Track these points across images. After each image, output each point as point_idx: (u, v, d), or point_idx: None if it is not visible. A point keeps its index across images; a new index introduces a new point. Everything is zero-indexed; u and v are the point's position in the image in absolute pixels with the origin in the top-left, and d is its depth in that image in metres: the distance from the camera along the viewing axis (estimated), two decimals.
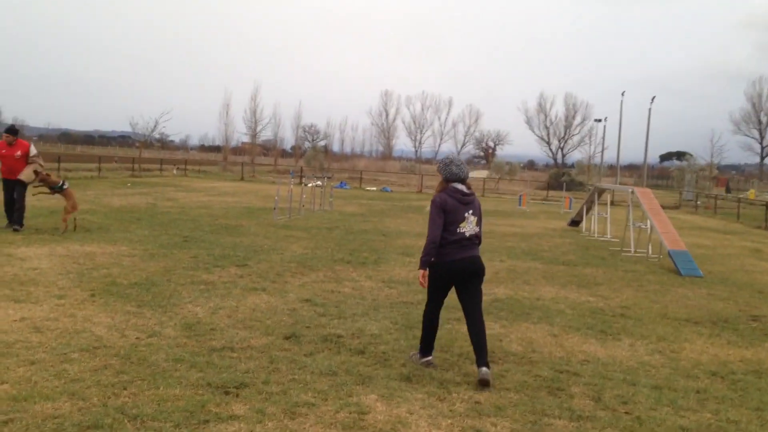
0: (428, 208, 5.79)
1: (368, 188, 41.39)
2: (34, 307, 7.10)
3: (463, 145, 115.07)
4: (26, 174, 12.48)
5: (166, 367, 5.49)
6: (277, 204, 18.15)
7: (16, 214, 12.51)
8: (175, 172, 44.87)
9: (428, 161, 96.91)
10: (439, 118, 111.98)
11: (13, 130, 13.03)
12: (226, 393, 5.03)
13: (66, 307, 7.20)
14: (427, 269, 5.80)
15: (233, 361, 5.77)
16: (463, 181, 5.84)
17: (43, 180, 12.80)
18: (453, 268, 5.77)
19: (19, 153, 12.53)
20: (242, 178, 44.80)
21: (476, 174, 73.49)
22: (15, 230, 12.28)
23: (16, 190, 12.55)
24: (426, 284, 5.85)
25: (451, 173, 5.82)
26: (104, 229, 13.76)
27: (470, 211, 5.76)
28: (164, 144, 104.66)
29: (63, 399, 4.69)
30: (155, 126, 42.91)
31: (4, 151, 12.54)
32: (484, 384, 5.49)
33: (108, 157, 55.65)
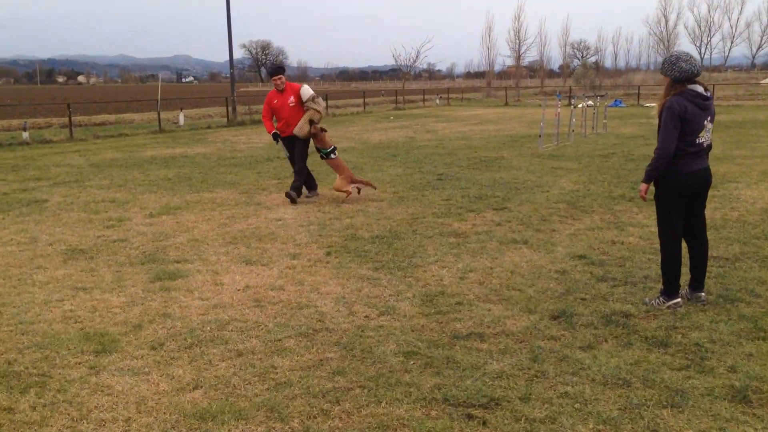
0: (654, 112, 5.13)
1: (647, 104, 37.00)
2: (263, 271, 6.27)
3: (759, 47, 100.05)
4: (299, 127, 9.58)
5: (394, 365, 4.18)
6: (542, 130, 16.17)
7: (294, 180, 9.83)
8: (437, 101, 44.37)
9: (716, 69, 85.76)
10: (729, 19, 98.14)
11: (279, 69, 9.84)
12: (469, 417, 3.56)
13: (296, 270, 6.26)
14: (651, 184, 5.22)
15: (481, 356, 4.28)
16: (695, 79, 4.96)
17: (314, 135, 9.70)
18: (691, 181, 5.07)
19: (292, 99, 9.69)
20: (506, 103, 42.88)
21: None
22: (291, 200, 9.59)
23: (296, 148, 9.85)
24: (646, 197, 5.35)
25: (681, 71, 4.90)
26: (357, 168, 13.04)
27: (708, 119, 5.01)
28: (431, 74, 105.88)
29: (257, 419, 3.58)
30: (417, 56, 42.50)
31: (276, 101, 9.78)
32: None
33: (374, 91, 57.10)
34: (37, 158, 15.39)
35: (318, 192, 10.26)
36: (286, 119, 9.78)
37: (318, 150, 9.89)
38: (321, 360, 4.27)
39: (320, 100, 9.84)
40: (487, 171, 12.44)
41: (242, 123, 27.08)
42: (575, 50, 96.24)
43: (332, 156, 9.83)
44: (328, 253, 6.83)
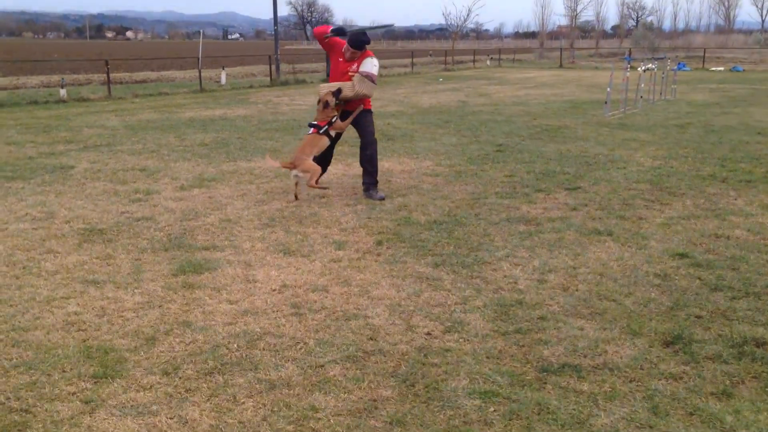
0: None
1: (713, 68, 34.86)
2: (304, 264, 5.34)
3: None
4: (324, 92, 7.51)
5: (469, 412, 3.22)
6: (609, 96, 14.83)
7: (366, 169, 7.74)
8: (488, 62, 42.68)
9: None
10: None
11: (342, 31, 7.60)
12: None
13: (342, 265, 5.32)
14: None
15: (583, 403, 3.29)
16: None
17: (325, 104, 7.47)
18: None
19: (354, 68, 7.47)
20: (561, 65, 40.99)
21: None
22: (373, 197, 7.55)
23: (362, 128, 7.77)
24: None
25: None
26: (408, 136, 12.01)
27: None
28: (479, 34, 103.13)
29: None
30: (468, 15, 40.71)
31: (341, 58, 7.60)
32: None
33: (422, 51, 55.44)
34: (72, 118, 14.69)
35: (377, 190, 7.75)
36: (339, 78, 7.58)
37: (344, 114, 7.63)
38: (374, 400, 3.34)
39: (369, 85, 7.48)
40: (552, 142, 11.27)
41: (286, 83, 26.13)
42: (630, 10, 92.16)
43: (315, 131, 7.55)
44: (379, 242, 5.87)
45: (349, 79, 7.46)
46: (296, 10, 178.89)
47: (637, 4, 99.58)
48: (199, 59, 24.02)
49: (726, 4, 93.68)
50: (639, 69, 18.46)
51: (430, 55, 50.79)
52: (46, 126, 13.23)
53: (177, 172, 8.90)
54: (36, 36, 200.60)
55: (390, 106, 17.56)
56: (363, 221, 6.57)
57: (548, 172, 8.79)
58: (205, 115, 15.41)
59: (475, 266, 5.24)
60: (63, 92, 18.48)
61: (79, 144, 11.07)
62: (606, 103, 14.84)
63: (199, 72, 23.86)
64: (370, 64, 7.47)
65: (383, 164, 9.37)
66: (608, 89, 14.89)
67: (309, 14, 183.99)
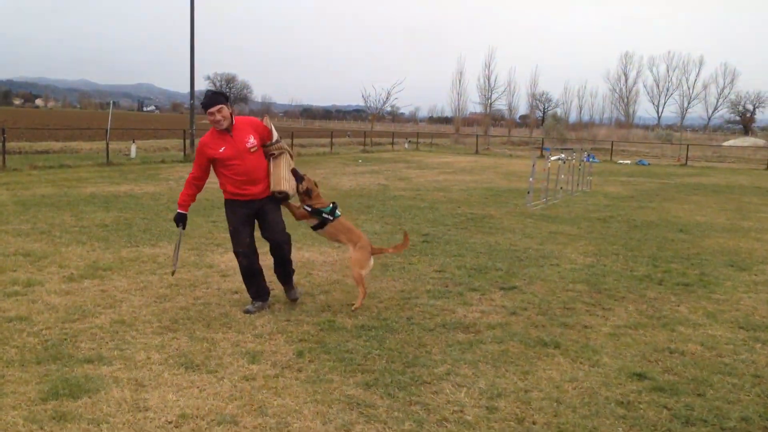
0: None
1: (620, 161, 36.23)
2: (210, 382, 4.44)
3: (716, 109, 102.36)
4: (282, 180, 5.98)
5: None
6: (531, 187, 14.69)
7: (283, 277, 6.43)
8: (406, 146, 43.07)
9: (693, 129, 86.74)
10: (687, 80, 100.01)
11: (217, 96, 5.81)
12: None
13: (256, 384, 4.45)
14: None
15: None
16: None
17: (307, 191, 6.18)
18: None
19: (252, 141, 5.88)
20: (477, 152, 41.76)
21: (738, 142, 64.08)
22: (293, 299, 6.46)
23: (264, 218, 6.10)
24: None
25: None
26: None
27: None
28: (394, 117, 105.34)
29: None
30: (387, 98, 41.20)
31: (222, 149, 5.80)
32: None
33: (341, 131, 55.70)
34: None
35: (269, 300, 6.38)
36: (248, 173, 5.85)
37: (312, 212, 6.22)
38: None
39: (285, 144, 6.27)
40: (478, 233, 10.82)
41: None
42: (537, 101, 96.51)
43: (338, 214, 6.33)
44: (300, 353, 5.05)
45: (266, 154, 6.02)
46: (214, 84, 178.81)
47: (544, 96, 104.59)
48: (107, 130, 22.83)
49: (625, 100, 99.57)
50: (550, 159, 18.63)
51: (348, 136, 51.01)
52: None
53: (67, 258, 7.84)
54: None
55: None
56: (281, 324, 5.74)
57: (480, 267, 8.24)
58: (108, 191, 14.27)
59: (412, 387, 4.49)
60: None
61: None
62: (528, 193, 14.69)
63: (107, 144, 22.63)
64: (266, 119, 6.13)
65: (303, 254, 8.62)
66: (530, 179, 14.77)
67: (228, 89, 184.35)
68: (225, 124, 5.80)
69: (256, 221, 6.15)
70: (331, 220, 6.29)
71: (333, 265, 8.09)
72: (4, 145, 18.82)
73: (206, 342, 5.23)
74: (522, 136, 62.48)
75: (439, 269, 8.09)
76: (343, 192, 16.12)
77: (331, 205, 6.34)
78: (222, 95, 5.93)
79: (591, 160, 34.69)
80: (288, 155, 6.18)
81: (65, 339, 5.17)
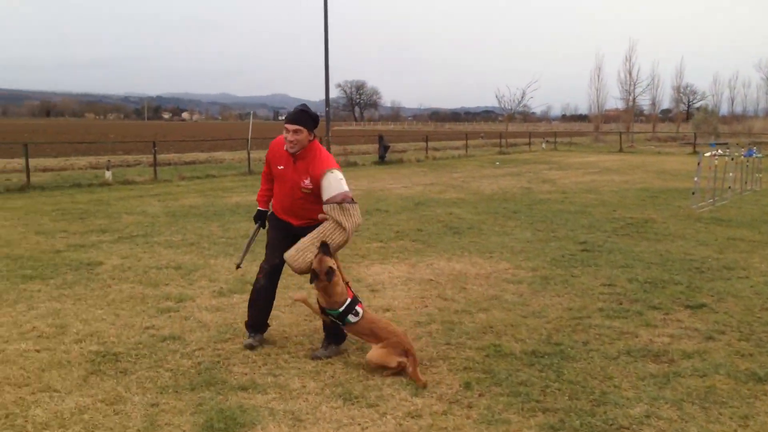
0: None
1: None
2: (372, 419, 3.96)
3: None
4: (299, 252, 4.90)
5: None
6: (698, 186, 13.34)
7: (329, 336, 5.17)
8: (544, 146, 41.59)
9: None
10: None
11: (301, 115, 4.99)
12: None
13: (423, 424, 3.91)
14: None
15: None
16: None
17: (318, 279, 4.84)
18: None
19: (308, 183, 5.00)
20: (620, 150, 39.60)
21: None
22: (249, 347, 5.21)
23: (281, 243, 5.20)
24: None
25: None
26: (475, 229, 10.70)
27: None
28: (526, 116, 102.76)
29: None
30: (522, 97, 39.92)
31: (281, 165, 5.15)
32: None
33: (473, 133, 54.81)
34: (113, 203, 13.82)
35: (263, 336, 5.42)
36: (291, 206, 5.17)
37: (322, 311, 5.00)
38: None
39: (356, 209, 5.00)
40: (643, 240, 9.81)
41: None
42: (681, 95, 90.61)
43: (350, 320, 4.85)
44: (467, 385, 4.47)
45: (315, 205, 5.02)
46: (345, 92, 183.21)
47: (689, 89, 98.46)
48: (248, 140, 23.41)
49: None
50: (707, 155, 16.98)
51: (482, 138, 50.07)
52: (83, 212, 12.33)
53: (216, 271, 7.71)
54: (97, 117, 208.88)
55: (449, 192, 16.37)
56: (441, 349, 5.20)
57: (655, 280, 7.32)
58: (251, 201, 14.39)
59: None
60: (108, 174, 17.84)
61: (113, 234, 10.04)
62: (693, 193, 13.35)
63: (248, 153, 23.20)
64: (338, 178, 4.96)
65: (453, 265, 8.06)
66: (696, 178, 13.43)
67: (358, 96, 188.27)
68: (293, 149, 4.98)
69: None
70: (342, 325, 4.91)
71: (488, 279, 7.47)
72: (155, 158, 19.66)
73: (362, 368, 4.77)
74: (668, 132, 58.87)
75: (608, 282, 7.27)
76: (485, 196, 15.43)
77: (345, 303, 4.85)
78: (310, 118, 5.02)
79: (753, 154, 31.93)
80: (334, 226, 4.89)
81: (218, 362, 4.88)
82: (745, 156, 20.13)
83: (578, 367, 4.79)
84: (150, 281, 7.22)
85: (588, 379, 4.57)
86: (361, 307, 4.92)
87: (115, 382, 4.48)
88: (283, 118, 5.19)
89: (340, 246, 4.99)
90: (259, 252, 5.64)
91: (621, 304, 6.46)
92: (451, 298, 6.65)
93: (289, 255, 4.94)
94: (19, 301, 6.38)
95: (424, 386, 4.46)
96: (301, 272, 4.96)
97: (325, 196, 4.91)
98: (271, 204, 5.45)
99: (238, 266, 5.91)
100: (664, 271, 7.75)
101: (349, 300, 4.88)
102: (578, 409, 4.09)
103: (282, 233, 5.24)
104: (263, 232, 5.59)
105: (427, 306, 6.39)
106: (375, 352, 4.74)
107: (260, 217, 5.55)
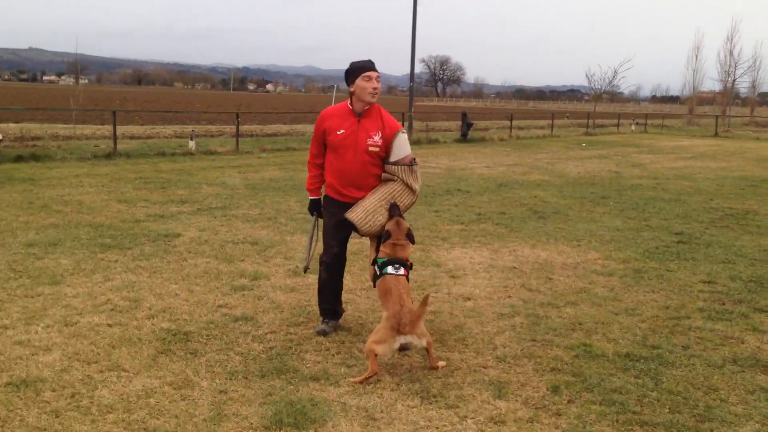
0: None
1: None
2: (451, 421, 3.67)
3: None
4: (368, 213, 4.69)
5: None
6: None
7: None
8: (633, 128, 39.92)
9: None
10: None
11: (370, 63, 4.90)
12: None
13: (507, 431, 3.61)
14: None
15: None
16: None
17: (389, 237, 4.61)
18: None
19: (376, 139, 4.78)
20: (716, 134, 37.62)
21: None
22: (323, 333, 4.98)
23: (340, 232, 4.98)
24: None
25: None
26: (561, 214, 10.20)
27: None
28: (613, 96, 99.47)
29: None
30: (614, 76, 38.25)
31: (341, 130, 4.79)
32: None
33: (558, 112, 53.25)
34: (194, 173, 13.94)
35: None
36: (355, 173, 4.81)
37: (372, 261, 4.83)
38: None
39: (418, 171, 4.92)
40: (745, 233, 9.09)
41: (417, 141, 24.94)
42: None
43: (386, 270, 4.54)
44: (555, 389, 4.10)
45: (375, 178, 4.84)
46: (429, 67, 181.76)
47: None
48: None
49: None
50: None
51: (567, 117, 48.59)
52: (165, 181, 12.46)
53: (292, 248, 7.55)
54: (185, 86, 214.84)
55: (533, 173, 15.78)
56: (526, 346, 4.84)
57: (760, 279, 6.72)
58: None
59: None
60: (192, 144, 18.06)
61: (193, 205, 10.06)
62: None
63: None
64: (405, 141, 4.86)
65: (538, 253, 7.64)
66: None
67: (441, 71, 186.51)
68: (376, 98, 4.83)
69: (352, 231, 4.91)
70: (378, 275, 4.61)
71: (576, 269, 7.02)
72: (238, 130, 19.80)
73: (439, 373, 4.46)
74: (767, 117, 55.56)
75: (707, 279, 6.70)
76: (570, 179, 14.79)
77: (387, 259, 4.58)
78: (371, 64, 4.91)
79: None
80: (404, 186, 4.77)
81: (290, 347, 4.68)
82: None
83: (679, 375, 4.35)
84: (226, 256, 7.11)
85: (690, 390, 4.13)
86: (406, 272, 4.57)
87: (184, 364, 4.34)
88: (355, 67, 4.84)
89: (407, 208, 4.87)
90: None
91: (723, 304, 5.92)
92: (536, 289, 6.26)
93: (357, 217, 4.70)
94: (96, 271, 6.38)
95: (435, 369, 4.32)
96: (369, 235, 4.81)
97: (394, 157, 4.79)
98: (323, 189, 5.11)
99: (305, 269, 5.48)
100: None
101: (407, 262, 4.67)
102: (680, 425, 3.68)
103: (338, 219, 4.86)
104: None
105: (510, 297, 6.03)
106: (378, 327, 4.30)
107: (316, 207, 5.22)
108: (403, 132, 4.88)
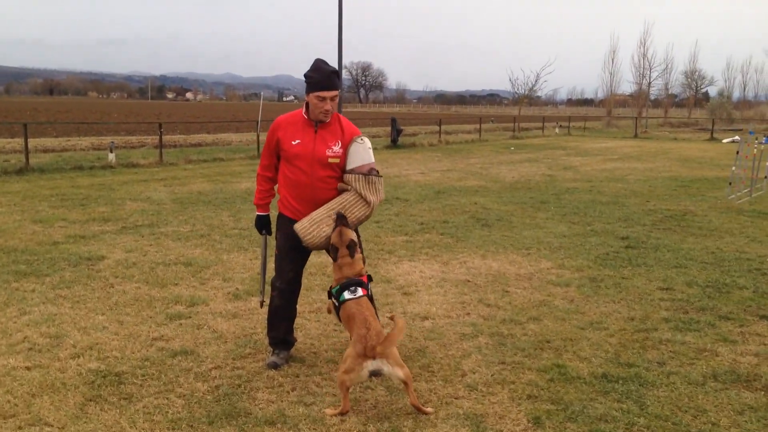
0: None
1: None
2: None
3: None
4: (314, 222, 4.28)
5: None
6: (735, 176, 12.58)
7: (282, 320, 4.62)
8: (557, 131, 40.68)
9: None
10: None
11: (338, 82, 4.46)
12: None
13: None
14: None
15: None
16: None
17: (336, 250, 4.19)
18: None
19: (336, 149, 4.35)
20: (636, 135, 38.70)
21: None
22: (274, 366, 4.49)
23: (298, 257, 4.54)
24: None
25: None
26: (505, 220, 9.99)
27: None
28: (531, 101, 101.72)
29: None
30: (536, 80, 38.91)
31: (297, 140, 4.35)
32: None
33: (484, 116, 53.94)
34: (116, 187, 13.08)
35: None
36: (310, 188, 4.35)
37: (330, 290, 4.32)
38: None
39: (381, 183, 4.47)
40: (689, 235, 9.07)
41: None
42: (690, 79, 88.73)
43: (344, 297, 4.11)
44: (537, 421, 3.75)
45: (333, 187, 4.40)
46: (351, 74, 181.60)
47: (697, 74, 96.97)
48: (258, 122, 22.64)
49: None
50: (725, 141, 16.16)
51: (492, 122, 49.20)
52: (84, 198, 11.59)
53: (230, 268, 7.00)
54: (100, 96, 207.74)
55: (469, 179, 15.61)
56: (496, 370, 4.48)
57: (716, 284, 6.60)
58: None
59: None
60: (111, 156, 17.07)
61: (117, 223, 9.32)
62: (730, 183, 12.60)
63: (258, 136, 22.43)
64: (365, 149, 4.41)
65: (490, 264, 7.34)
66: (733, 167, 12.67)
67: (363, 78, 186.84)
68: (328, 118, 4.36)
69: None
70: (337, 306, 4.17)
71: (531, 280, 6.75)
72: (161, 140, 18.90)
73: (429, 408, 4.04)
74: (680, 117, 57.81)
75: (665, 286, 6.54)
76: (507, 184, 14.68)
77: (346, 282, 4.15)
78: (339, 78, 4.50)
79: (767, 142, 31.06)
80: (357, 197, 4.32)
81: (239, 385, 4.17)
82: (765, 142, 19.29)
83: (662, 397, 4.07)
84: (157, 280, 6.50)
85: (678, 414, 3.85)
86: (365, 291, 4.14)
87: (117, 412, 3.77)
88: (311, 80, 4.32)
89: (360, 221, 4.40)
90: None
91: (687, 313, 5.74)
92: (495, 305, 5.93)
93: (301, 227, 4.27)
94: (10, 304, 5.68)
95: (420, 411, 3.81)
96: (314, 248, 4.35)
97: (350, 165, 4.36)
98: (277, 203, 4.61)
99: (261, 303, 4.93)
100: (723, 273, 7.02)
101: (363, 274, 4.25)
102: None
103: (293, 238, 4.37)
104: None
105: (469, 314, 5.68)
106: (345, 354, 3.85)
107: (264, 225, 4.73)
108: (362, 139, 4.44)
